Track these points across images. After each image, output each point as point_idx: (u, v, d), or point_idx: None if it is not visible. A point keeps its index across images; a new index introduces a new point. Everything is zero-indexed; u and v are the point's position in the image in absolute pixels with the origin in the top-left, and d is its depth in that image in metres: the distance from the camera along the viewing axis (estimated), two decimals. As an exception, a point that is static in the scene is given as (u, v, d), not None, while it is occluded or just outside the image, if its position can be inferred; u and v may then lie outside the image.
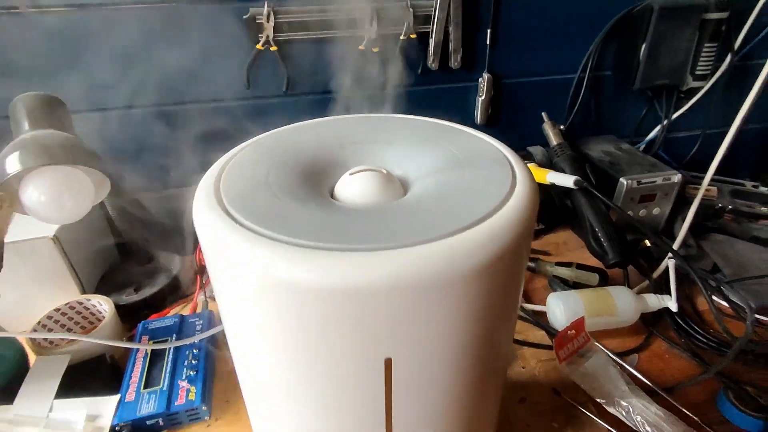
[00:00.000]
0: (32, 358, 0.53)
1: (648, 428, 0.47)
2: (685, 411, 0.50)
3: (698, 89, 0.90)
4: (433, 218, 0.22)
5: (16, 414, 0.45)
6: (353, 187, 0.26)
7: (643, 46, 0.80)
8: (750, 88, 0.68)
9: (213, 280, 0.25)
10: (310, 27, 0.71)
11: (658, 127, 0.94)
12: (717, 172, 0.95)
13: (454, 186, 0.25)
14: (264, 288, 0.21)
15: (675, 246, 0.70)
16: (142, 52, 0.68)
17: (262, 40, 0.69)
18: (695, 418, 0.50)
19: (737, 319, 0.62)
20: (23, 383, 0.48)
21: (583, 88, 0.87)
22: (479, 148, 0.29)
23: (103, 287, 0.64)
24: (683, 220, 0.71)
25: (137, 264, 0.69)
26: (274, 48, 0.70)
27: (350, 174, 0.27)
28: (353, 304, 0.20)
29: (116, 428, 0.45)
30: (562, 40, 0.83)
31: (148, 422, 0.46)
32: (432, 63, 0.77)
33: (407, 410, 0.24)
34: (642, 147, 0.97)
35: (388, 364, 0.21)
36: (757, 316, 0.63)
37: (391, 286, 0.19)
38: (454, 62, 0.78)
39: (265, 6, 0.68)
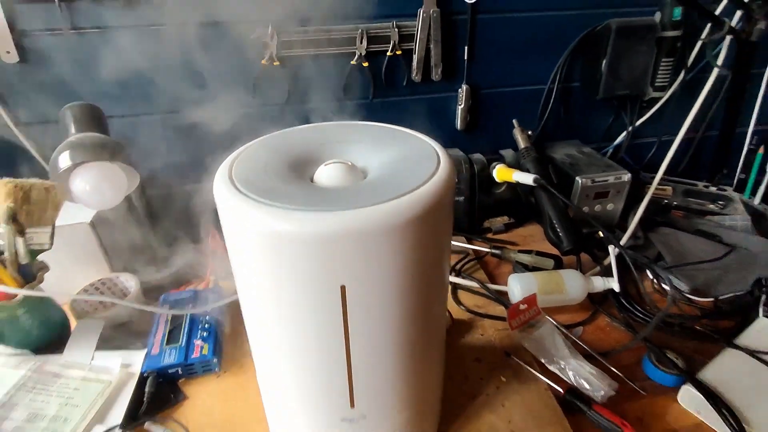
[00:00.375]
0: (73, 323, 0.64)
1: (580, 381, 0.57)
2: (615, 371, 0.60)
3: (658, 99, 1.00)
4: (380, 191, 0.32)
5: (65, 361, 0.56)
6: (326, 174, 0.37)
7: (604, 60, 0.90)
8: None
9: (226, 237, 0.36)
10: (307, 45, 0.82)
11: (624, 134, 1.04)
12: (678, 174, 1.05)
13: (397, 170, 0.35)
14: (260, 237, 0.31)
15: (625, 237, 0.80)
16: (162, 67, 0.79)
17: (266, 57, 0.80)
18: (622, 375, 0.59)
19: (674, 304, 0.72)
20: (69, 339, 0.59)
21: (553, 98, 0.97)
22: (418, 145, 0.39)
23: (129, 267, 0.75)
24: (635, 215, 0.81)
25: (158, 248, 0.79)
26: (276, 63, 0.82)
27: (324, 165, 0.37)
28: (320, 247, 0.30)
29: (144, 374, 0.56)
30: (533, 54, 0.94)
31: (170, 371, 0.57)
32: (416, 76, 0.88)
33: (360, 331, 0.34)
34: (609, 152, 1.07)
35: (342, 290, 0.32)
36: (692, 297, 0.72)
37: (347, 234, 0.30)
38: (436, 75, 0.89)
39: (270, 27, 0.79)
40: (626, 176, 0.81)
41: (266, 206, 0.31)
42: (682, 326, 0.67)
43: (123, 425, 0.50)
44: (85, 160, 0.56)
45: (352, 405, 0.39)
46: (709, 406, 0.52)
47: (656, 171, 1.02)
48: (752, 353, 0.58)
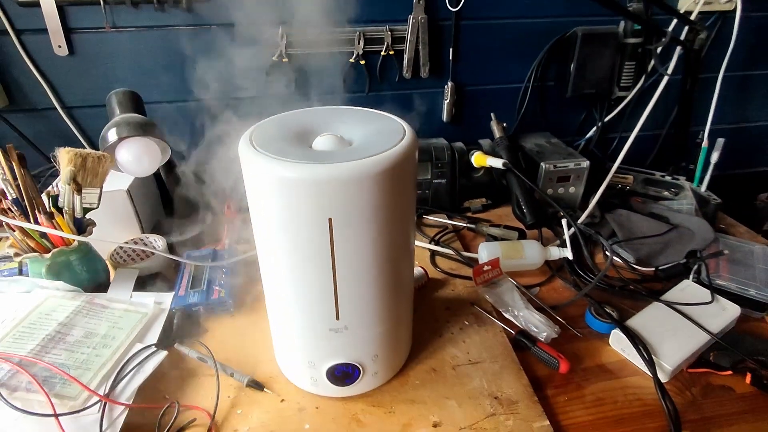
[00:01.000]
0: (112, 273, 0.77)
1: (529, 325, 0.70)
2: (561, 320, 0.72)
3: (624, 98, 1.12)
4: (360, 152, 0.45)
5: (110, 297, 0.69)
6: (321, 142, 0.49)
7: (573, 63, 1.02)
8: (663, 98, 0.89)
9: (247, 186, 0.48)
10: (312, 45, 0.94)
11: (594, 129, 1.17)
12: (646, 166, 1.17)
13: (374, 140, 0.48)
14: (273, 182, 0.44)
15: (583, 215, 0.92)
16: (186, 61, 0.92)
17: (276, 54, 0.93)
18: (565, 323, 0.72)
19: (620, 268, 0.84)
20: (112, 282, 0.73)
21: (529, 95, 1.10)
22: (390, 123, 0.52)
23: (157, 230, 0.88)
24: (594, 197, 0.93)
25: (181, 216, 0.93)
26: (285, 60, 0.94)
27: (320, 136, 0.50)
28: (316, 190, 0.43)
29: (173, 310, 0.69)
30: (511, 56, 1.06)
31: (194, 308, 0.70)
32: (406, 73, 1.01)
33: (344, 254, 0.46)
34: (581, 145, 1.19)
35: (330, 222, 0.45)
36: (636, 266, 0.84)
37: (335, 180, 0.42)
38: (424, 73, 1.01)
39: (280, 29, 0.92)
40: (585, 163, 0.93)
41: (278, 160, 0.44)
42: (621, 288, 0.79)
43: (157, 344, 0.63)
44: (128, 135, 0.69)
45: (338, 317, 0.52)
46: (630, 344, 0.65)
47: (623, 163, 1.15)
48: (669, 304, 0.70)
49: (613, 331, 0.68)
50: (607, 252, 0.87)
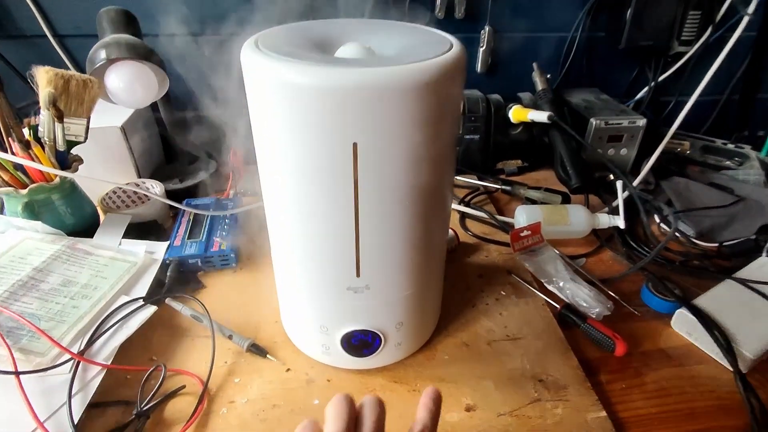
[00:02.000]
0: (102, 218, 0.68)
1: (576, 299, 0.60)
2: (613, 294, 0.62)
3: (683, 54, 0.98)
4: (396, 60, 0.34)
5: (95, 243, 0.60)
6: (345, 52, 0.39)
7: (629, 9, 0.89)
8: (728, 60, 0.77)
9: (250, 100, 0.38)
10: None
11: (646, 89, 1.03)
12: (702, 134, 1.04)
13: (413, 51, 0.37)
14: (281, 91, 0.33)
15: (636, 181, 0.80)
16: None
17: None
18: (618, 298, 0.62)
19: (678, 242, 0.73)
20: (99, 227, 0.64)
21: (576, 47, 0.97)
22: (432, 35, 0.41)
23: (154, 177, 0.79)
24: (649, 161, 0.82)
25: (181, 164, 0.83)
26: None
27: (345, 45, 0.40)
28: (336, 101, 0.32)
29: (166, 261, 0.60)
30: (558, 0, 0.93)
31: (190, 261, 0.61)
32: (438, 12, 0.89)
33: (369, 194, 0.36)
34: (630, 106, 1.06)
35: (354, 147, 0.34)
36: (697, 240, 0.73)
37: (363, 89, 0.32)
38: (459, 13, 0.89)
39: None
40: (641, 121, 0.81)
41: (288, 62, 0.33)
42: (683, 263, 0.68)
43: (146, 298, 0.54)
44: (119, 56, 0.59)
45: (358, 274, 0.42)
46: (701, 327, 0.54)
47: (679, 129, 1.03)
48: (746, 282, 0.59)
49: (678, 311, 0.58)
50: (662, 223, 0.76)
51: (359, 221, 0.38)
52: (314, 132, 0.34)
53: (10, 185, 0.58)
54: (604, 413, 0.46)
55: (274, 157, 0.38)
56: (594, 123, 0.80)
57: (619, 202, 0.71)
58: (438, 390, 0.37)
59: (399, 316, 0.47)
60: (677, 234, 0.74)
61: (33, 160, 0.57)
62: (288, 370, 0.50)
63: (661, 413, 0.48)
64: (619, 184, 0.71)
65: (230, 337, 0.52)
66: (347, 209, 0.38)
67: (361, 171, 0.36)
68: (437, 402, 0.36)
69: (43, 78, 0.56)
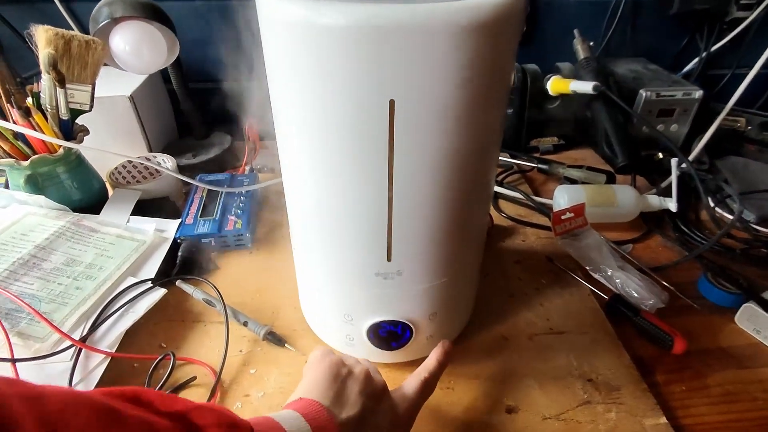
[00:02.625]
0: (110, 193, 0.64)
1: (627, 290, 0.54)
2: (667, 285, 0.56)
3: (742, 20, 0.89)
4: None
5: (101, 219, 0.56)
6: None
7: (686, -32, 0.80)
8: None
9: (266, 53, 0.32)
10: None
11: (696, 60, 0.94)
12: (759, 107, 0.95)
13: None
14: (299, 37, 0.28)
15: (689, 159, 0.73)
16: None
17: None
18: (674, 289, 0.55)
19: (736, 228, 0.66)
20: (106, 203, 0.60)
21: (620, 12, 0.88)
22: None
23: (166, 151, 0.75)
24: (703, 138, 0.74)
25: (195, 138, 0.78)
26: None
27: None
28: (369, 44, 0.26)
29: (178, 239, 0.56)
30: (603, -41, 0.84)
31: (203, 240, 0.57)
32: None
33: (406, 154, 0.31)
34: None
35: (391, 105, 0.29)
36: (759, 227, 0.66)
37: (405, 27, 0.26)
38: (494, -26, 0.81)
39: None
40: (697, 93, 0.73)
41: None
42: (745, 252, 0.61)
43: (154, 280, 0.50)
44: (124, 15, 0.54)
45: (389, 258, 0.37)
46: (772, 324, 0.48)
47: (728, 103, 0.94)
48: (828, 274, 0.52)
49: (744, 305, 0.51)
50: (717, 207, 0.68)
51: (393, 195, 0.33)
52: (342, 86, 0.28)
53: (11, 156, 0.54)
54: (664, 419, 0.41)
55: (293, 119, 0.33)
56: (644, 95, 0.72)
57: (673, 181, 0.64)
58: (452, 345, 0.41)
59: (432, 306, 0.41)
60: (731, 218, 0.66)
61: (34, 128, 0.52)
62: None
63: (729, 422, 0.42)
64: (673, 161, 0.63)
65: (245, 324, 0.47)
66: (379, 181, 0.32)
67: (398, 134, 0.30)
68: (448, 355, 0.40)
69: (42, 37, 0.51)
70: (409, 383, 0.37)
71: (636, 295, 0.53)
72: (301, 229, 0.40)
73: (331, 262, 0.39)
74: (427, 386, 0.38)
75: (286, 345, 0.46)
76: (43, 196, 0.54)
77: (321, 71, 0.28)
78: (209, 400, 0.41)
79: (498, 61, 0.30)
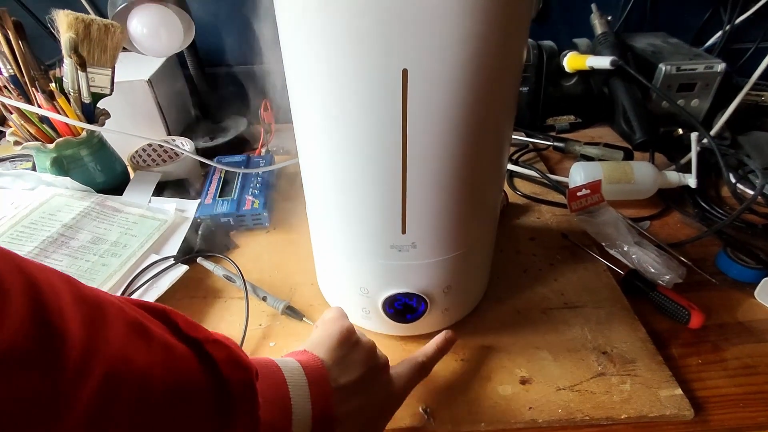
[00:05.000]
0: (131, 175, 0.66)
1: (643, 265, 0.53)
2: (685, 260, 0.55)
3: (768, -9, 0.86)
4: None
5: (124, 200, 0.58)
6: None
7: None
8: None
9: (280, 24, 0.33)
10: None
11: (719, 33, 0.91)
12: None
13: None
14: (316, 3, 0.28)
15: (711, 134, 0.71)
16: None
17: None
18: (692, 264, 0.55)
19: (758, 204, 0.65)
20: (128, 185, 0.61)
21: (641, -15, 0.85)
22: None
23: (184, 134, 0.76)
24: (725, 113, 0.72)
25: (212, 121, 0.80)
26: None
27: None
28: (383, 13, 0.27)
29: (198, 219, 0.57)
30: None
31: (222, 219, 0.58)
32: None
33: (420, 124, 0.31)
34: (699, 55, 0.95)
35: (404, 75, 0.29)
36: (780, 203, 0.65)
37: None
38: (509, -51, 0.80)
39: None
40: (719, 66, 0.71)
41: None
42: (767, 227, 0.60)
43: (176, 257, 0.51)
44: (142, -2, 0.55)
45: (404, 230, 0.37)
46: (792, 298, 0.47)
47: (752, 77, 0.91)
48: None
49: (764, 280, 0.50)
50: (738, 183, 0.67)
51: (407, 167, 0.33)
52: (354, 56, 0.29)
53: (37, 139, 0.56)
54: (679, 391, 0.41)
55: (306, 92, 0.33)
56: (664, 69, 0.70)
57: (693, 156, 0.63)
58: (456, 336, 0.42)
59: (447, 279, 0.42)
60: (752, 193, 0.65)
61: (58, 112, 0.54)
62: (325, 334, 0.47)
63: (747, 395, 0.42)
64: (693, 136, 0.62)
65: (264, 299, 0.49)
66: (393, 152, 0.32)
67: (411, 104, 0.30)
68: (450, 342, 0.41)
69: (63, 22, 0.52)
70: (405, 364, 0.38)
71: (653, 270, 0.53)
72: (318, 205, 0.41)
73: (347, 236, 0.40)
74: (423, 369, 0.38)
75: (304, 319, 0.48)
76: (68, 178, 0.56)
77: (333, 41, 0.29)
78: (231, 370, 0.42)
79: (517, 23, 0.30)
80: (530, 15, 0.32)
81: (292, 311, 0.48)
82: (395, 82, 0.29)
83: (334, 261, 0.44)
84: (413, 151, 0.32)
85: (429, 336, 0.46)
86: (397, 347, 0.46)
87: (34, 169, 0.67)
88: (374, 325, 0.45)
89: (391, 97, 0.30)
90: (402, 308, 0.43)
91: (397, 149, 0.32)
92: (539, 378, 0.42)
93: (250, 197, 0.60)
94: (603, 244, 0.57)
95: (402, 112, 0.30)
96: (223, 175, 0.64)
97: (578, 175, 0.65)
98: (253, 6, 0.83)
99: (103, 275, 0.47)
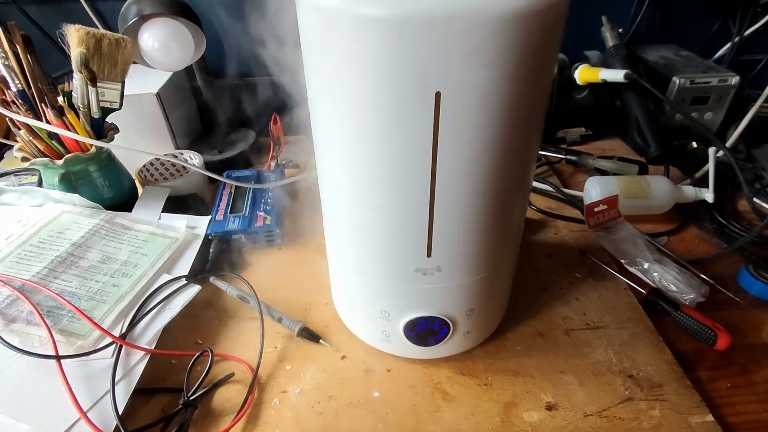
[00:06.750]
0: (140, 190, 0.64)
1: (664, 283, 0.52)
2: (706, 277, 0.54)
3: (778, 3, 0.86)
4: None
5: (134, 217, 0.56)
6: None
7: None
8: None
9: (304, 45, 0.32)
10: None
11: (728, 45, 0.91)
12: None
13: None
14: (342, 29, 0.27)
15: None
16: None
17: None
18: (713, 282, 0.54)
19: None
20: (137, 201, 0.60)
21: (650, -3, 0.85)
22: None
23: (192, 148, 0.75)
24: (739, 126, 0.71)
25: (220, 134, 0.79)
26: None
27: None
28: (417, 34, 0.26)
29: (209, 236, 0.56)
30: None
31: (233, 236, 0.57)
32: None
33: (450, 148, 0.30)
34: (708, 66, 0.94)
35: (437, 98, 0.28)
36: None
37: (455, 17, 0.25)
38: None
39: None
40: (734, 79, 0.71)
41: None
42: (785, 243, 0.59)
43: (189, 277, 0.50)
44: (153, 12, 0.54)
45: (429, 254, 0.36)
46: (819, 318, 0.46)
47: (764, 90, 0.90)
48: None
49: (789, 299, 0.50)
50: (755, 197, 0.66)
51: (435, 190, 0.32)
52: (386, 79, 0.28)
53: (45, 155, 0.54)
54: (710, 417, 0.40)
55: (332, 114, 0.32)
56: (678, 82, 0.70)
57: (710, 170, 0.62)
58: None
59: (471, 302, 0.41)
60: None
61: (67, 128, 0.53)
62: (343, 357, 0.46)
63: (778, 419, 0.41)
64: (711, 150, 0.61)
65: (280, 320, 0.47)
66: (422, 176, 0.31)
67: (443, 128, 0.29)
68: None
69: (74, 37, 0.51)
70: None
71: (675, 289, 0.52)
72: (338, 226, 0.40)
73: (370, 258, 0.38)
74: None
75: (321, 341, 0.46)
76: (77, 195, 0.55)
77: (365, 65, 0.28)
78: (247, 396, 0.41)
79: (547, 49, 0.29)
80: (563, 31, 0.31)
81: (309, 333, 0.47)
82: (428, 105, 0.28)
83: (353, 283, 0.42)
84: (442, 173, 0.31)
85: (449, 359, 0.45)
86: (416, 371, 0.44)
87: (40, 183, 0.65)
88: (394, 349, 0.44)
89: (423, 120, 0.29)
90: (424, 332, 0.41)
91: (426, 172, 0.31)
92: (565, 403, 0.41)
93: (262, 213, 0.59)
94: (622, 261, 0.56)
95: (433, 136, 0.30)
96: (233, 191, 0.63)
97: (594, 189, 0.64)
98: (262, 18, 0.82)
99: (114, 296, 0.46)
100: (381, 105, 0.29)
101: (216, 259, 0.54)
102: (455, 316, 0.41)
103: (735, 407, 0.42)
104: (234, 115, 0.81)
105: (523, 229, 0.45)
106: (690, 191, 0.63)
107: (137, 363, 0.41)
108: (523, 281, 0.54)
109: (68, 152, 0.55)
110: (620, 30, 0.79)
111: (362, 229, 0.37)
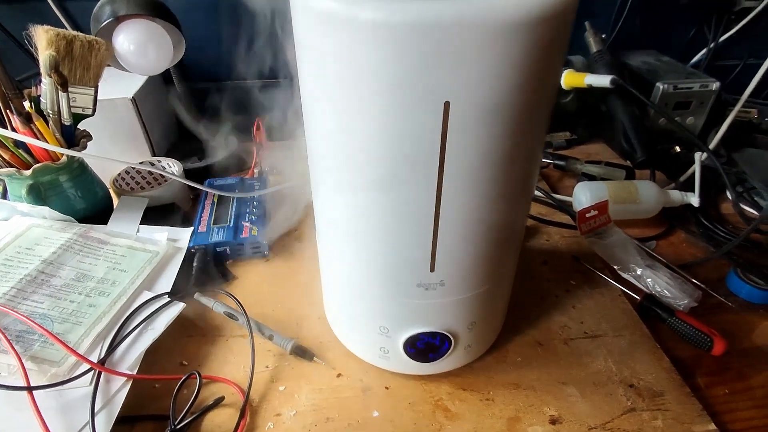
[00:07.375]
0: (115, 202, 0.61)
1: (657, 288, 0.53)
2: (696, 282, 0.55)
3: (750, 10, 0.88)
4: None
5: (110, 230, 0.53)
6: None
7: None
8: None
9: (300, 52, 0.30)
10: None
11: (704, 51, 0.93)
12: (764, 97, 0.94)
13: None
14: (342, 32, 0.25)
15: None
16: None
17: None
18: (704, 287, 0.54)
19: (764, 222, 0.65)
20: (113, 213, 0.57)
21: (629, 3, 0.86)
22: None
23: (170, 155, 0.71)
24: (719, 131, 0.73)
25: (199, 140, 0.75)
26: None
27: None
28: (424, 42, 0.24)
29: (192, 249, 0.53)
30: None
31: (218, 248, 0.54)
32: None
33: (458, 158, 0.29)
34: (685, 71, 0.96)
35: (446, 108, 0.27)
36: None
37: (458, 24, 0.24)
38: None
39: None
40: (714, 84, 0.72)
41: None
42: (768, 245, 0.60)
43: (171, 293, 0.47)
44: (128, 13, 0.51)
45: (432, 268, 0.35)
46: (808, 321, 0.47)
47: (739, 94, 0.93)
48: None
49: (778, 302, 0.50)
50: (739, 200, 0.67)
51: (440, 202, 0.31)
52: (392, 89, 0.26)
53: (11, 165, 0.51)
54: (713, 426, 0.40)
55: (332, 122, 0.30)
56: (661, 87, 0.71)
57: (696, 175, 0.63)
58: None
59: (473, 315, 0.39)
60: (752, 211, 0.65)
61: (35, 136, 0.49)
62: (339, 375, 0.44)
63: (777, 424, 0.41)
64: (697, 155, 0.62)
65: (270, 338, 0.45)
66: (427, 189, 0.30)
67: (451, 138, 0.28)
68: None
69: (42, 39, 0.47)
70: None
71: (668, 294, 0.52)
72: (335, 240, 0.38)
73: (369, 273, 0.37)
74: None
75: (315, 359, 0.44)
76: (47, 207, 0.51)
77: (371, 73, 0.26)
78: (239, 421, 0.38)
79: (556, 56, 0.28)
80: (569, 39, 0.31)
81: (302, 351, 0.45)
82: (436, 115, 0.27)
83: (350, 298, 0.41)
84: (449, 184, 0.30)
85: (449, 374, 0.43)
86: (416, 387, 0.43)
87: (4, 195, 0.61)
88: (393, 365, 0.43)
89: (430, 131, 0.27)
90: (424, 347, 0.40)
91: (432, 183, 0.30)
92: (569, 417, 0.40)
93: (247, 224, 0.56)
94: (615, 267, 0.56)
95: (440, 147, 0.28)
96: (216, 200, 0.60)
97: (583, 194, 0.64)
98: (243, 19, 0.80)
99: (91, 317, 0.43)
100: (385, 116, 0.27)
101: (200, 274, 0.51)
102: (457, 330, 0.40)
103: (735, 414, 0.42)
104: (214, 120, 0.78)
105: (522, 238, 0.44)
106: (676, 195, 0.64)
107: (118, 390, 0.38)
108: (519, 290, 0.53)
109: (37, 162, 0.51)
110: (603, 36, 0.80)
111: (361, 243, 0.35)
